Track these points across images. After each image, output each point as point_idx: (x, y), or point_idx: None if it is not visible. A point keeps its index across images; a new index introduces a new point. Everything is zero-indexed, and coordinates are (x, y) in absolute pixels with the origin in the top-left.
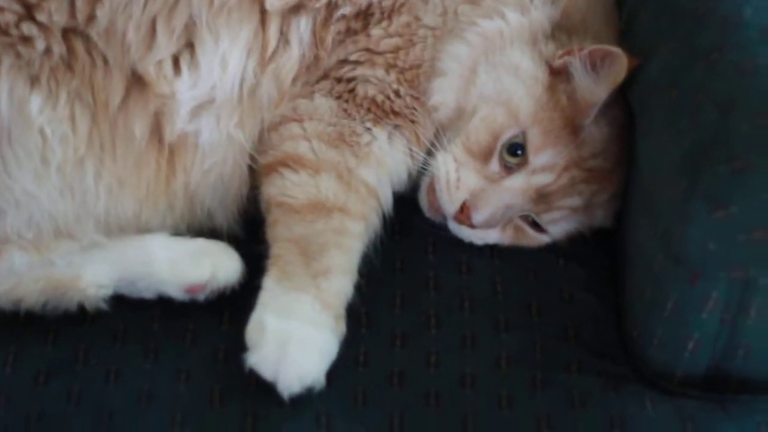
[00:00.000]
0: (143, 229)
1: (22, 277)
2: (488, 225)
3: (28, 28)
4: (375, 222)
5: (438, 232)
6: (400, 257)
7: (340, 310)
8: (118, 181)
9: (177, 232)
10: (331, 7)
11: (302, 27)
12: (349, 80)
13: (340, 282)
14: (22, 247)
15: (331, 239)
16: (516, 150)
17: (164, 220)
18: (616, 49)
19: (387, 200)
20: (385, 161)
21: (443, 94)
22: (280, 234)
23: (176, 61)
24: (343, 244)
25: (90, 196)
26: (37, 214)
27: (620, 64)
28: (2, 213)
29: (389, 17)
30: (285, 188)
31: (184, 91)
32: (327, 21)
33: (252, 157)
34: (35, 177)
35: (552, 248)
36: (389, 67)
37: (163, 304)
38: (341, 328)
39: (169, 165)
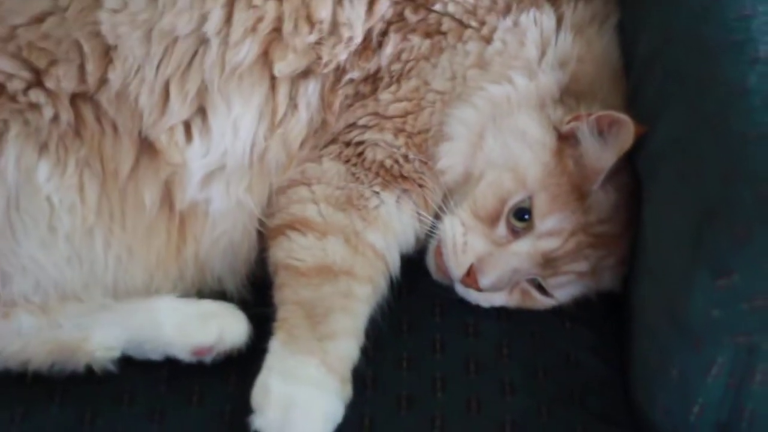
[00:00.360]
0: (152, 295)
1: (30, 338)
2: (495, 289)
3: (36, 95)
4: (382, 285)
5: (445, 294)
6: (407, 319)
7: (346, 373)
8: (127, 251)
9: (186, 296)
10: (339, 72)
11: (310, 91)
12: (358, 144)
13: (346, 345)
14: (29, 310)
15: (337, 302)
16: (523, 215)
17: (174, 287)
18: (624, 116)
19: (394, 263)
20: (392, 225)
21: (451, 158)
22: (287, 297)
23: (188, 128)
24: (350, 307)
25: (98, 265)
26: (43, 280)
27: (627, 130)
28: (9, 277)
29: (398, 81)
30: (292, 251)
31: (196, 159)
32: (335, 85)
33: (261, 221)
34: (42, 244)
35: (558, 311)
36: (398, 131)
37: (171, 365)
38: (347, 391)
39: (179, 234)
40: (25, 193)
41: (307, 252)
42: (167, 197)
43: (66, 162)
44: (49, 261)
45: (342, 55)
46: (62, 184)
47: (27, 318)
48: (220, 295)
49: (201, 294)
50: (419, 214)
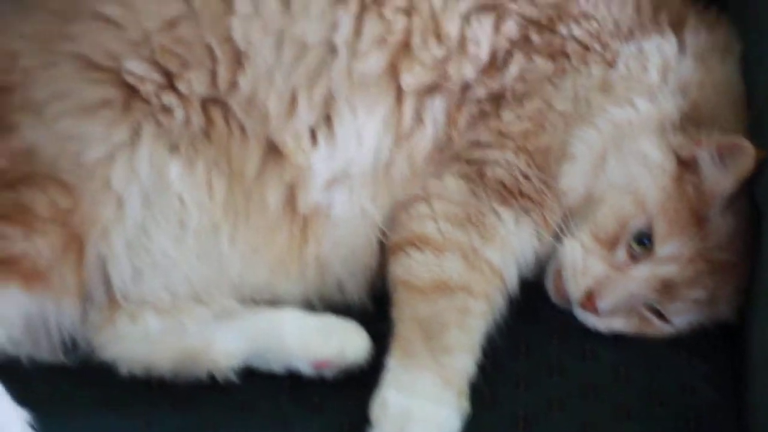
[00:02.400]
0: (275, 298)
1: (156, 343)
2: (613, 313)
3: (168, 97)
4: (499, 302)
5: (564, 317)
6: (525, 341)
7: (463, 386)
8: (251, 248)
9: (308, 305)
10: (465, 89)
11: (436, 107)
12: (479, 162)
13: (462, 359)
14: (157, 312)
15: (453, 318)
16: (643, 239)
17: (295, 288)
18: (745, 141)
19: (512, 281)
20: (510, 242)
21: (572, 179)
22: (404, 313)
23: (313, 133)
24: (465, 322)
25: (225, 260)
26: (174, 276)
27: (748, 156)
28: (140, 274)
29: (521, 101)
30: (410, 268)
31: (320, 162)
32: (461, 102)
33: (383, 233)
34: (173, 240)
35: (675, 340)
36: (519, 150)
37: (291, 377)
38: (464, 404)
39: (301, 234)
40: (157, 190)
41: (425, 268)
42: (291, 199)
43: (196, 162)
44: (179, 256)
45: (468, 71)
46: (192, 182)
47: (154, 321)
48: (343, 306)
49: (323, 299)
50: (538, 232)
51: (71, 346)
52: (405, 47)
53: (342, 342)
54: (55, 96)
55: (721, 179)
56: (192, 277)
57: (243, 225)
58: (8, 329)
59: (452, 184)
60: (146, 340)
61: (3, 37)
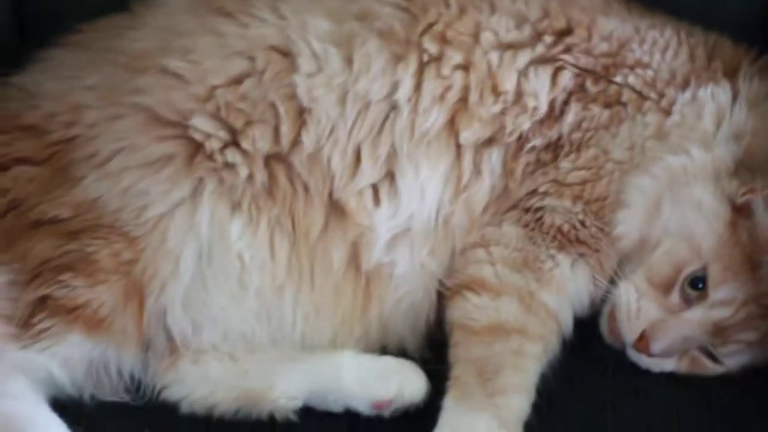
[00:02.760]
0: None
1: (217, 385)
2: (666, 355)
3: (232, 154)
4: (554, 344)
5: (616, 354)
6: (579, 379)
7: (518, 427)
8: (315, 309)
9: (368, 352)
10: (522, 140)
11: (494, 159)
12: (537, 210)
13: (517, 400)
14: (218, 358)
15: (507, 360)
16: (697, 284)
17: (357, 345)
18: None
19: (567, 324)
20: (566, 286)
21: (627, 226)
22: (460, 355)
23: (376, 191)
24: (520, 364)
25: (286, 322)
26: (232, 332)
27: None
28: (200, 327)
29: (578, 150)
30: (467, 311)
31: (383, 221)
32: (518, 153)
33: (441, 283)
34: (232, 299)
35: (727, 378)
36: (576, 198)
37: (350, 416)
38: None
39: (365, 294)
40: (218, 249)
41: (481, 312)
42: (354, 258)
43: (258, 221)
44: (238, 314)
45: (525, 124)
46: (254, 242)
47: (215, 365)
48: (401, 352)
49: (383, 351)
50: (594, 278)
51: (135, 387)
52: (463, 103)
53: (400, 382)
54: (119, 150)
55: None
56: (251, 335)
57: (307, 286)
58: (71, 372)
59: (511, 231)
60: (208, 381)
61: (69, 88)
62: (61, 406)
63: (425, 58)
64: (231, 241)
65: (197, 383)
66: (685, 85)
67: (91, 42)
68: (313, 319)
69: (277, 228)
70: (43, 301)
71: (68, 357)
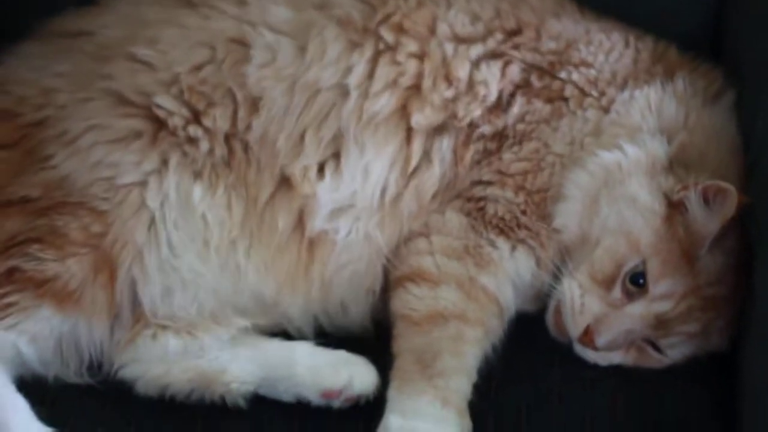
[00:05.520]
0: (285, 315)
1: (173, 364)
2: (610, 348)
3: (194, 130)
4: (495, 327)
5: (564, 347)
6: (526, 368)
7: (462, 405)
8: (264, 263)
9: (317, 325)
10: (472, 128)
11: (444, 147)
12: (480, 199)
13: (457, 381)
14: (176, 332)
15: (445, 346)
16: (638, 279)
17: (301, 303)
18: (728, 186)
19: (508, 305)
20: (506, 268)
21: (565, 218)
22: (402, 346)
23: (321, 168)
24: (459, 349)
25: (242, 273)
26: (201, 291)
27: (731, 199)
28: (171, 292)
29: (520, 142)
30: (407, 302)
31: (325, 194)
32: (467, 140)
33: (389, 260)
34: (198, 257)
35: (671, 369)
36: (518, 189)
37: (300, 407)
38: (466, 422)
39: (308, 255)
40: (184, 213)
41: (421, 302)
42: (299, 223)
43: (217, 186)
44: (205, 271)
45: (476, 111)
46: (213, 203)
47: (174, 341)
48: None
49: (328, 318)
50: (536, 257)
51: (97, 367)
52: (416, 89)
53: (351, 373)
54: (88, 128)
55: (707, 221)
56: (216, 289)
57: (256, 242)
58: (40, 349)
59: (453, 219)
60: (164, 360)
61: (39, 75)
62: (25, 386)
63: (381, 46)
64: (194, 204)
65: (153, 361)
66: (624, 85)
67: (60, 33)
68: (262, 272)
69: (233, 192)
70: (11, 273)
71: (37, 333)
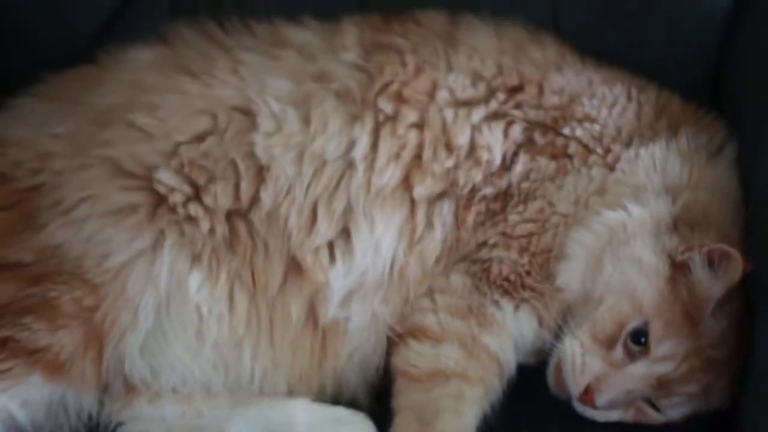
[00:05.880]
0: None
1: (173, 424)
2: (610, 407)
3: (194, 208)
4: (495, 386)
5: (564, 402)
6: (525, 423)
7: None
8: (273, 363)
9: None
10: (473, 191)
11: (445, 211)
12: (485, 261)
13: None
14: (174, 401)
15: (446, 404)
16: (639, 338)
17: (312, 397)
18: (733, 251)
19: (509, 365)
20: (508, 327)
21: (568, 277)
22: (402, 403)
23: (331, 249)
24: (459, 408)
25: (244, 375)
26: (189, 379)
27: (736, 265)
28: (157, 372)
29: (525, 202)
30: (408, 358)
31: (338, 279)
32: (469, 203)
33: (393, 330)
34: (188, 349)
35: (670, 425)
36: (522, 250)
37: None
38: None
39: (321, 349)
40: (176, 300)
41: (422, 358)
42: (311, 313)
43: (218, 274)
44: (195, 365)
45: (477, 176)
46: (212, 294)
47: (170, 407)
48: (352, 403)
49: (335, 403)
50: (539, 316)
51: (94, 425)
52: (417, 160)
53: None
54: (84, 199)
55: (711, 284)
56: (208, 384)
57: (265, 340)
58: (32, 413)
59: (458, 281)
60: (162, 422)
61: (36, 135)
62: None
63: (381, 117)
64: (189, 293)
65: (153, 422)
66: (629, 142)
67: (59, 92)
68: (270, 373)
69: (237, 281)
70: (4, 342)
71: (29, 398)
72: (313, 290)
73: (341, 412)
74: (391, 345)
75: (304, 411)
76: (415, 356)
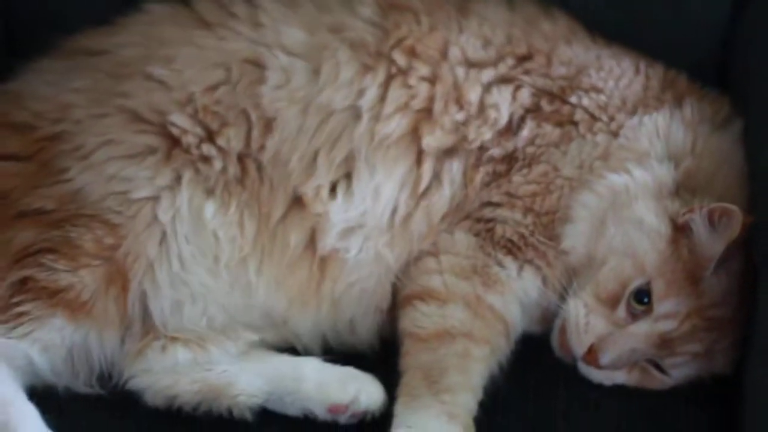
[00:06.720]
0: (294, 331)
1: (181, 376)
2: (614, 367)
3: (208, 149)
4: (502, 345)
5: (570, 368)
6: (532, 387)
7: (468, 421)
8: (275, 280)
9: (324, 343)
10: (482, 150)
11: (455, 169)
12: (489, 220)
13: (463, 397)
14: (186, 344)
15: (452, 362)
16: (642, 298)
17: (311, 320)
18: (733, 207)
19: (515, 324)
20: (512, 287)
21: (573, 239)
22: (409, 363)
23: (333, 187)
24: (465, 366)
25: (252, 289)
26: (211, 305)
27: (736, 220)
28: (180, 305)
29: (530, 165)
30: (415, 320)
31: (337, 213)
32: (477, 163)
33: (398, 279)
34: (208, 272)
35: (674, 391)
36: (527, 210)
37: (307, 422)
38: None
39: (319, 272)
40: (195, 229)
41: (428, 319)
42: (311, 241)
43: (229, 203)
44: (215, 286)
45: (486, 134)
46: (225, 220)
47: (183, 353)
48: (357, 357)
49: (336, 337)
50: (543, 277)
51: (107, 377)
52: (427, 112)
53: (358, 389)
54: (103, 143)
55: (712, 243)
56: (226, 305)
57: (268, 260)
58: (52, 358)
59: (462, 240)
60: (173, 371)
61: (57, 90)
62: (36, 396)
63: (393, 69)
64: (206, 221)
65: (162, 373)
66: (633, 110)
67: (77, 51)
68: (273, 289)
69: (246, 210)
70: (24, 282)
71: (49, 342)
72: (313, 222)
73: (350, 371)
74: (398, 308)
75: (313, 368)
76: (421, 317)
